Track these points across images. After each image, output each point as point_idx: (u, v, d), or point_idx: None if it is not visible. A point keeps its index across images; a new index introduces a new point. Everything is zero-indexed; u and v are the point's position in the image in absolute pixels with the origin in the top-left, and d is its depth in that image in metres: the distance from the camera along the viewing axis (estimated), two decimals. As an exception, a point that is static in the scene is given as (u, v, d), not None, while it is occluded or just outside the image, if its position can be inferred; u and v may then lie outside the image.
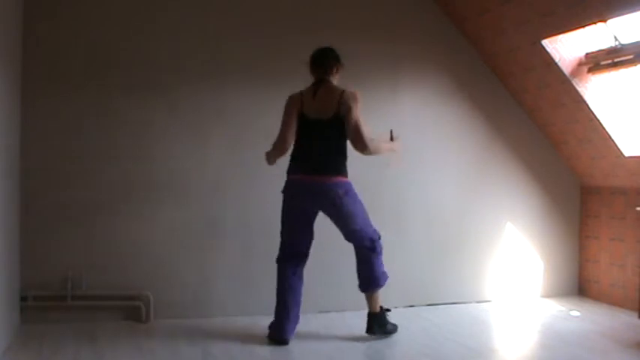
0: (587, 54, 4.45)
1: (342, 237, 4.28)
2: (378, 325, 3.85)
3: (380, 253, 3.85)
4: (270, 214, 4.47)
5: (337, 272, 4.52)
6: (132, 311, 4.20)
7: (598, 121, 4.51)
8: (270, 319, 3.98)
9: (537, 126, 5.09)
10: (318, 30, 4.53)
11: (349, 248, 4.24)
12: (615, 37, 4.30)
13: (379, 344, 3.78)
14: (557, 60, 4.41)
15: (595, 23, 4.11)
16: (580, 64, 4.46)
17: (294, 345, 3.75)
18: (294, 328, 3.86)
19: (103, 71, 4.17)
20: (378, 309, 3.86)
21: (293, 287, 3.87)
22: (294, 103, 3.83)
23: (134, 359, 3.42)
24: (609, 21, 4.11)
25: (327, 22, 4.56)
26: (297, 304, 3.88)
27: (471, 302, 4.90)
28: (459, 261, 4.90)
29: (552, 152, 5.16)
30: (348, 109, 3.67)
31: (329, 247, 4.47)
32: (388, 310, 3.95)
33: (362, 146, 3.70)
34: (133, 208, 4.23)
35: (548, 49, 4.38)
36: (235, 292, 4.40)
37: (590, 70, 4.44)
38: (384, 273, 3.86)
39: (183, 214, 4.32)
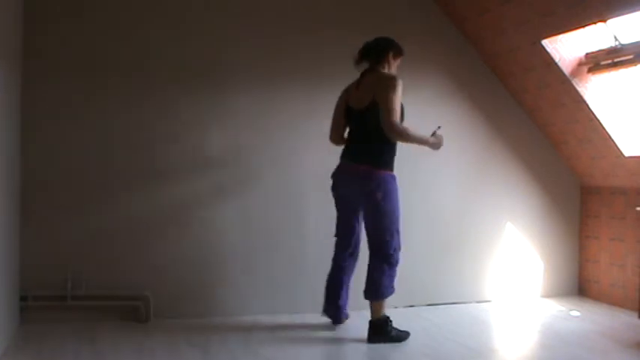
0: (587, 54, 4.45)
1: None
2: (379, 333, 3.78)
3: (394, 266, 3.82)
4: (270, 214, 4.48)
5: (337, 272, 4.52)
6: (132, 311, 4.20)
7: (598, 121, 4.51)
8: (269, 318, 3.99)
9: (537, 126, 5.09)
10: (318, 30, 4.54)
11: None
12: (615, 37, 4.30)
13: (378, 344, 3.78)
14: (557, 60, 4.41)
15: (595, 23, 4.11)
16: (580, 64, 4.46)
17: (294, 345, 3.75)
18: (344, 307, 4.03)
19: (103, 71, 4.17)
20: (380, 315, 3.80)
21: (341, 270, 3.98)
22: (342, 97, 3.95)
23: (134, 359, 3.42)
24: (609, 21, 4.11)
25: (327, 22, 4.56)
26: (343, 284, 3.99)
27: (470, 302, 4.90)
28: (459, 261, 4.90)
29: (552, 152, 5.16)
30: (380, 95, 3.65)
31: (329, 248, 4.47)
32: (387, 318, 3.86)
33: (388, 127, 3.60)
34: (133, 208, 4.22)
35: (548, 49, 4.38)
36: (235, 292, 4.40)
37: (590, 70, 4.44)
38: (392, 287, 3.84)
39: (183, 214, 4.31)
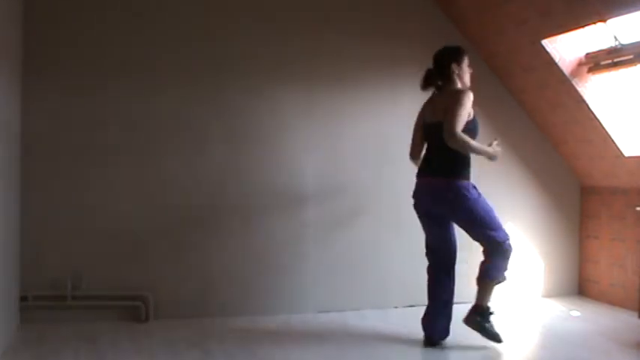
0: (587, 54, 4.45)
1: (342, 238, 4.29)
2: (475, 318, 3.80)
3: (502, 255, 3.75)
4: (269, 215, 4.47)
5: (337, 272, 4.52)
6: (132, 311, 4.20)
7: (598, 121, 4.50)
8: (268, 318, 3.97)
9: (537, 126, 5.09)
10: (318, 30, 4.54)
11: (349, 249, 4.25)
12: (615, 37, 4.30)
13: (379, 344, 3.78)
14: (557, 60, 4.41)
15: (595, 23, 4.11)
16: (580, 64, 4.46)
17: (293, 345, 3.75)
18: (444, 326, 3.84)
19: (103, 71, 4.18)
20: (482, 302, 3.81)
21: (438, 285, 3.92)
22: (419, 114, 3.90)
23: (134, 359, 3.42)
24: (609, 21, 4.11)
25: (327, 22, 4.56)
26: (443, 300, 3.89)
27: (470, 302, 4.87)
28: (459, 261, 4.88)
29: (552, 152, 5.16)
30: (448, 107, 3.62)
31: (329, 248, 4.48)
32: (491, 313, 3.86)
33: (448, 136, 3.56)
34: (133, 207, 4.23)
35: (548, 49, 4.38)
36: (235, 292, 4.40)
37: (590, 70, 4.44)
38: (498, 272, 3.79)
39: (183, 213, 4.31)
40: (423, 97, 4.81)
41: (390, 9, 4.73)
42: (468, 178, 3.73)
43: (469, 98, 3.63)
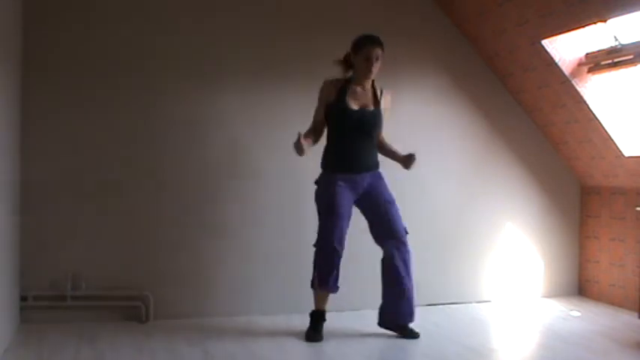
0: (587, 54, 4.45)
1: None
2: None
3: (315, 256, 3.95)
4: (269, 215, 4.48)
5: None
6: (132, 311, 4.20)
7: (598, 121, 4.51)
8: (268, 318, 3.94)
9: (537, 126, 5.09)
10: (317, 30, 4.54)
11: (349, 249, 4.23)
12: (615, 37, 4.30)
13: (378, 344, 3.78)
14: (557, 60, 4.41)
15: (595, 23, 4.11)
16: (580, 64, 4.46)
17: (294, 345, 3.75)
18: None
19: (104, 71, 4.17)
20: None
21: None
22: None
23: (134, 359, 3.42)
24: (609, 21, 4.11)
25: (327, 22, 4.56)
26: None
27: (470, 302, 4.89)
28: (459, 261, 4.90)
29: (552, 152, 5.16)
30: None
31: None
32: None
33: None
34: (133, 208, 4.23)
35: (548, 49, 4.38)
36: (235, 292, 4.40)
37: (590, 70, 4.44)
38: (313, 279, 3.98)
39: (183, 214, 4.31)
40: (423, 97, 4.84)
41: (389, 9, 4.73)
42: (324, 167, 4.00)
43: (321, 89, 3.94)
